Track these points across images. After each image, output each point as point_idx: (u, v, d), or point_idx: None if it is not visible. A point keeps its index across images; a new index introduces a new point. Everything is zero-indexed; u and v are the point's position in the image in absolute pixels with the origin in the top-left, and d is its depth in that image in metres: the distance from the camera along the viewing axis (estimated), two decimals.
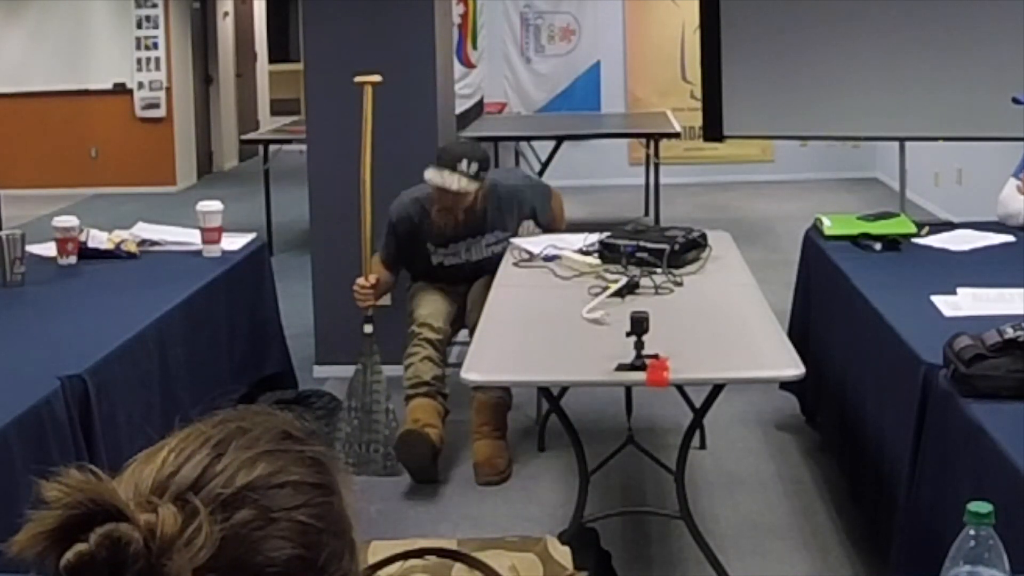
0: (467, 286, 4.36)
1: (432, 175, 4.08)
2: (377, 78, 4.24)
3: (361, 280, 4.20)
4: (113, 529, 0.77)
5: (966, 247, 3.92)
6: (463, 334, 4.24)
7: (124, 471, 0.86)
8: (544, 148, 8.67)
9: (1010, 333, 2.51)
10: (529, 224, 4.44)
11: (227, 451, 0.86)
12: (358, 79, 4.25)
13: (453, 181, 4.05)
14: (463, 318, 4.26)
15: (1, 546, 0.80)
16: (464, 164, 4.07)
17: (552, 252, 4.00)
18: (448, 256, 4.34)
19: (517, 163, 9.26)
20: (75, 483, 0.79)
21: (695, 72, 7.93)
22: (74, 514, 0.78)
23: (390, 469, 4.07)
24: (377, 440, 4.09)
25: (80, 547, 0.77)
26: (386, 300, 5.11)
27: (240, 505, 0.83)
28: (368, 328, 4.18)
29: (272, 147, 8.34)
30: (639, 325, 2.84)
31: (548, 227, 4.43)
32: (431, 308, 4.21)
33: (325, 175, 5.13)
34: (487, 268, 4.21)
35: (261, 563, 0.83)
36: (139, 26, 11.16)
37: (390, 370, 4.48)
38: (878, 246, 3.92)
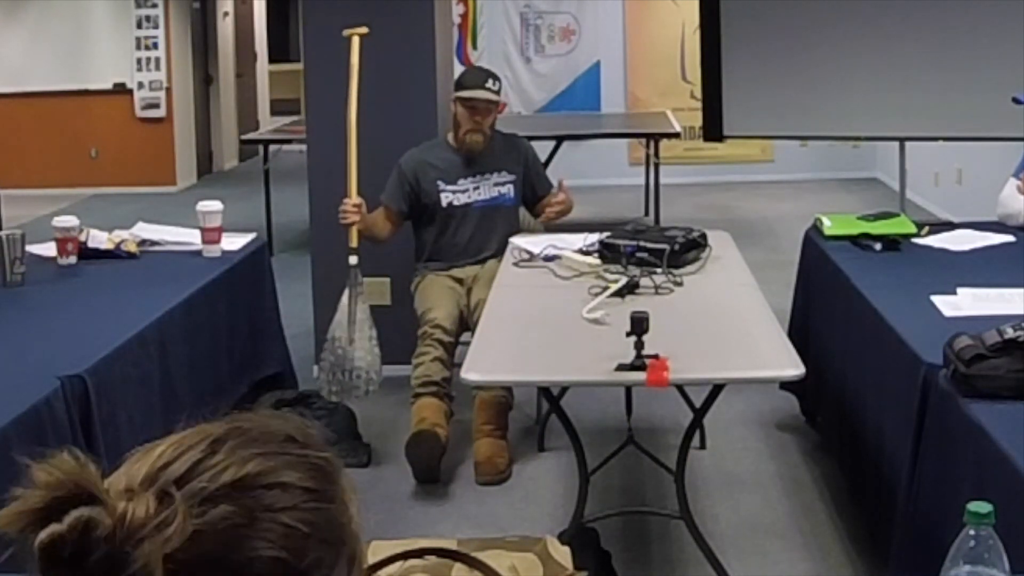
0: (472, 265, 4.46)
1: (468, 93, 4.44)
2: (364, 30, 4.34)
3: (347, 199, 4.24)
4: (85, 513, 0.79)
5: (966, 247, 3.92)
6: (465, 335, 4.25)
7: (123, 462, 0.88)
8: (544, 148, 8.66)
9: (1010, 333, 2.51)
10: (531, 221, 4.60)
11: (221, 449, 0.87)
12: (346, 32, 4.33)
13: (488, 94, 4.43)
14: (468, 320, 4.28)
15: None
16: (491, 82, 4.48)
17: (552, 252, 4.00)
18: (458, 194, 4.48)
19: None
20: (62, 467, 0.81)
21: (695, 72, 7.94)
22: (56, 496, 0.80)
23: (371, 392, 4.12)
24: (360, 367, 4.11)
25: (54, 528, 0.79)
26: (385, 299, 5.12)
27: (221, 501, 0.84)
28: (353, 260, 4.21)
29: (272, 147, 8.34)
30: (639, 325, 2.84)
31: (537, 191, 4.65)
32: (443, 311, 4.23)
33: (325, 175, 5.13)
34: (493, 218, 4.50)
35: (238, 561, 0.83)
36: (139, 26, 11.16)
37: (391, 369, 4.48)
38: (878, 246, 3.92)
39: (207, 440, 0.88)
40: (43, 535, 0.79)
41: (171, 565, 0.80)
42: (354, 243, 4.24)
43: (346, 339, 4.12)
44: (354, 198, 4.23)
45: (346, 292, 4.18)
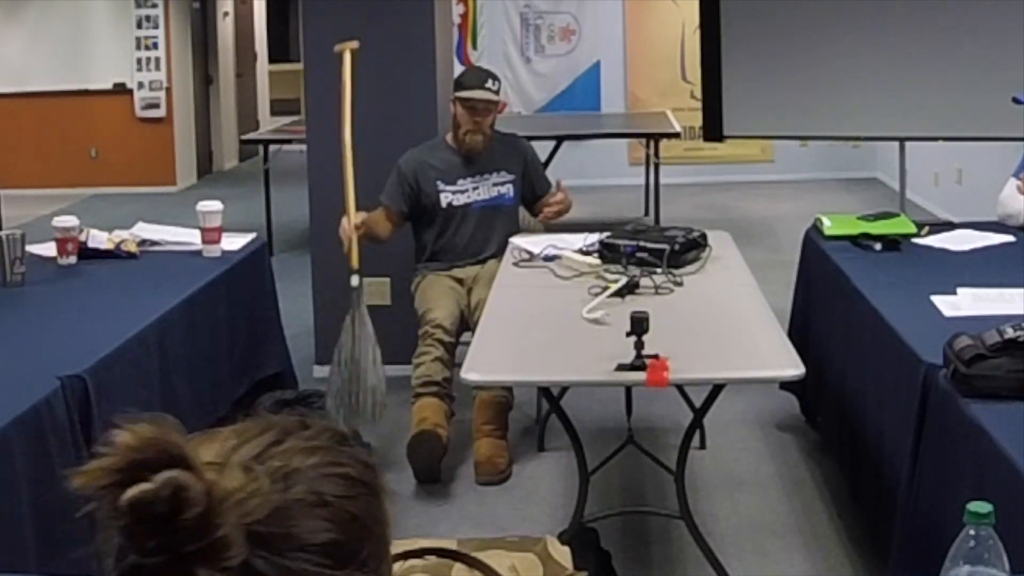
0: (473, 265, 4.45)
1: (467, 93, 4.42)
2: (355, 44, 4.30)
3: (345, 222, 4.23)
4: (178, 475, 0.81)
5: (966, 247, 3.92)
6: (465, 335, 4.25)
7: None
8: (544, 148, 8.66)
9: (1010, 333, 2.51)
10: (531, 220, 4.62)
11: (288, 438, 0.90)
12: (337, 47, 4.29)
13: (487, 94, 4.41)
14: (468, 320, 4.28)
15: (69, 473, 0.83)
16: (490, 82, 4.47)
17: (552, 252, 4.00)
18: (458, 194, 4.48)
19: None
20: (145, 430, 0.84)
21: (695, 72, 7.94)
22: (141, 457, 0.82)
23: (379, 416, 4.10)
24: (365, 389, 4.10)
25: (144, 486, 0.80)
26: (385, 299, 5.12)
27: (297, 482, 0.87)
28: (354, 280, 4.18)
29: (272, 147, 8.34)
30: (639, 325, 2.84)
31: (537, 190, 4.65)
32: (444, 311, 4.23)
33: (325, 175, 5.13)
34: (492, 218, 4.50)
35: (308, 540, 0.85)
36: (139, 26, 11.17)
37: (391, 369, 4.47)
38: (878, 246, 3.92)
39: (272, 430, 0.91)
40: (133, 491, 0.80)
41: (250, 536, 0.82)
42: (355, 263, 4.22)
43: (351, 362, 4.11)
44: (353, 219, 4.20)
45: (349, 314, 4.16)
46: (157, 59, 11.20)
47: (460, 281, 4.44)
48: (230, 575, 0.81)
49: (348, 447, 0.94)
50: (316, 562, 0.85)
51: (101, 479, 0.82)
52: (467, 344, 3.47)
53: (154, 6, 11.14)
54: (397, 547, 1.27)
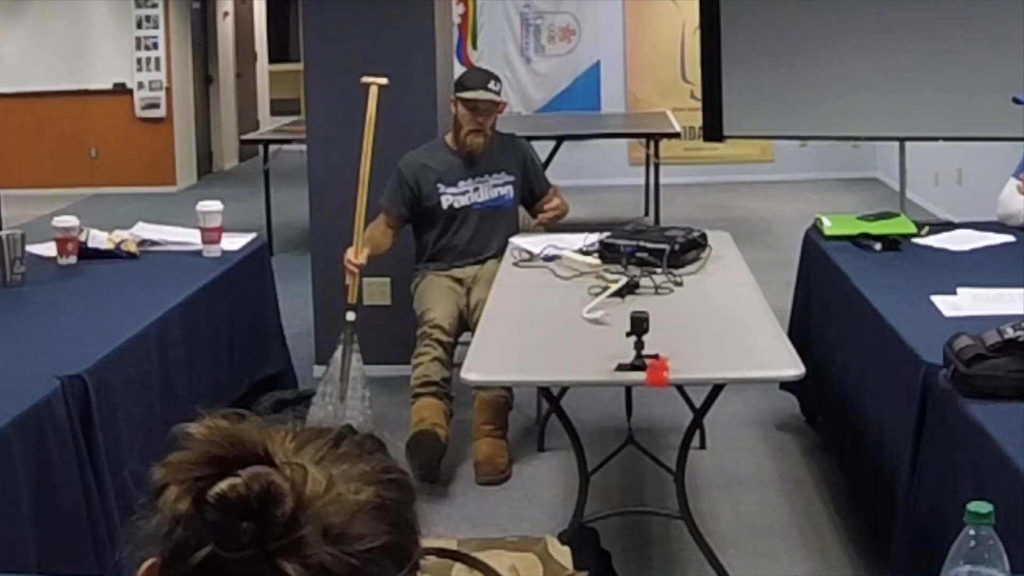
0: (472, 266, 4.45)
1: (470, 94, 4.41)
2: (384, 81, 4.28)
3: (350, 255, 4.24)
4: (265, 472, 0.82)
5: (966, 247, 3.92)
6: (465, 336, 4.25)
7: None
8: (544, 148, 8.66)
9: (1010, 333, 2.51)
10: (531, 221, 4.66)
11: (343, 442, 0.92)
12: (365, 79, 4.27)
13: (489, 95, 4.40)
14: (467, 320, 4.28)
15: (152, 468, 0.84)
16: (492, 83, 4.47)
17: (552, 252, 4.00)
18: (457, 196, 4.47)
19: None
20: (224, 425, 0.85)
21: (695, 72, 7.94)
22: (224, 453, 0.83)
23: None
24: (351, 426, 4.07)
25: (233, 480, 0.81)
26: (385, 299, 5.12)
27: (365, 484, 0.88)
28: (350, 316, 4.19)
29: (272, 147, 8.34)
30: (639, 325, 2.84)
31: (538, 190, 4.65)
32: (442, 311, 4.23)
33: (325, 175, 5.14)
34: (492, 219, 4.49)
35: (372, 543, 0.86)
36: (139, 26, 11.16)
37: (391, 369, 4.48)
38: (878, 246, 3.92)
39: (326, 433, 0.92)
40: (223, 486, 0.81)
41: (324, 535, 0.84)
42: (353, 299, 4.22)
43: (337, 395, 4.10)
44: (359, 258, 4.22)
45: (340, 347, 4.15)
46: (157, 59, 11.19)
47: (459, 281, 4.44)
48: (309, 571, 0.82)
49: (388, 453, 0.95)
50: (378, 562, 0.86)
51: (185, 472, 0.82)
52: (467, 344, 3.47)
53: (154, 6, 11.14)
54: None
